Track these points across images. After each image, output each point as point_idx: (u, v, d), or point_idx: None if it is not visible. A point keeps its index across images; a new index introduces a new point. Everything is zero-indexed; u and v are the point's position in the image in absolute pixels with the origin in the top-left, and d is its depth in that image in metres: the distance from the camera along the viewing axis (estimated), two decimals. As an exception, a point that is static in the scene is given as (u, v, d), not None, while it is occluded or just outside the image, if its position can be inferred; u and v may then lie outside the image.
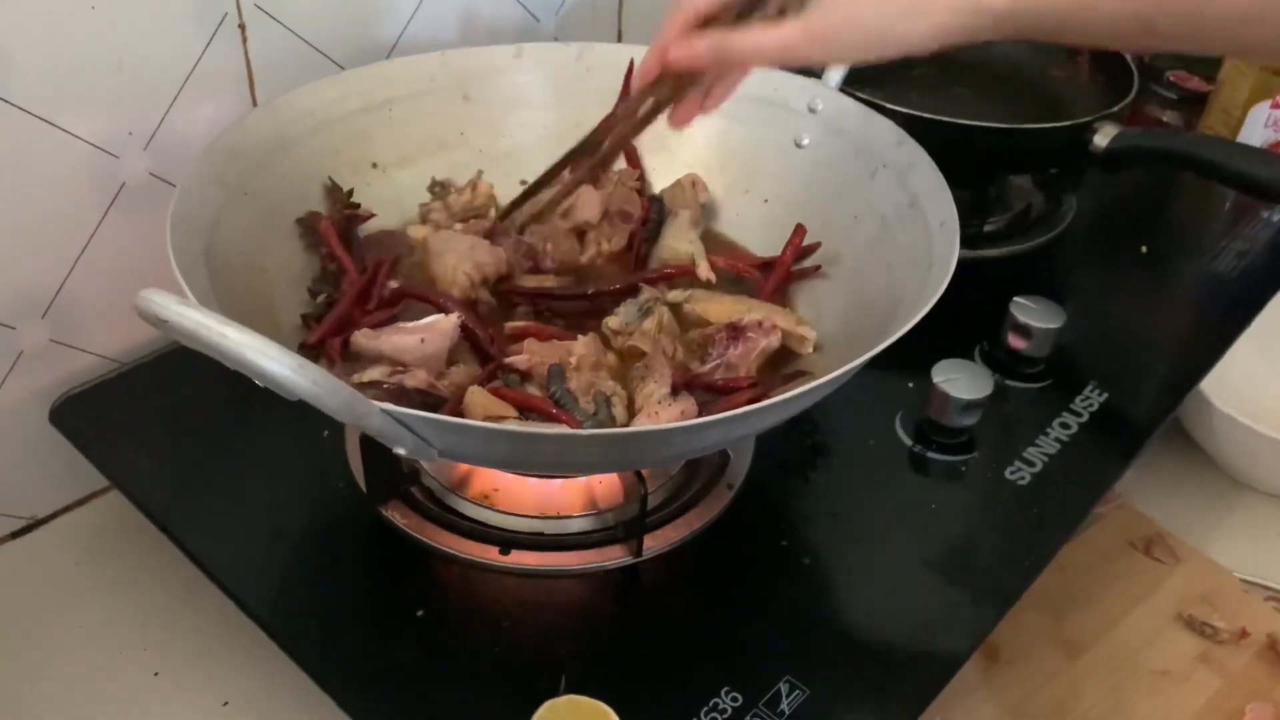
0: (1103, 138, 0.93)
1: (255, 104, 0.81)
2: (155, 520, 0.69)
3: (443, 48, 0.83)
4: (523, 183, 0.81)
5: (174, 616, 0.72)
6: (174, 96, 0.76)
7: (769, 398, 0.53)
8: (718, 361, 0.66)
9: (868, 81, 0.86)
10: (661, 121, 0.85)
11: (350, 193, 0.77)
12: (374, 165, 0.80)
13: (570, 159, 0.74)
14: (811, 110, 0.81)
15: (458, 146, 0.83)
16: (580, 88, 0.85)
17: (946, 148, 0.73)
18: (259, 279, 0.68)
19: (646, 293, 0.70)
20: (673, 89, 0.65)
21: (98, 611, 0.73)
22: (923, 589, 0.68)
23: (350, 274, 0.70)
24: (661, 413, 0.60)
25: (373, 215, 0.78)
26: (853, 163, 0.77)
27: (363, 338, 0.65)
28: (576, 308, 0.73)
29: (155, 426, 0.76)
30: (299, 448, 0.74)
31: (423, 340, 0.62)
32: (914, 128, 0.76)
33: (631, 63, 0.84)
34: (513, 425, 0.53)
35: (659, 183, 0.84)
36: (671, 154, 0.84)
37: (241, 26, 0.78)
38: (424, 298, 0.69)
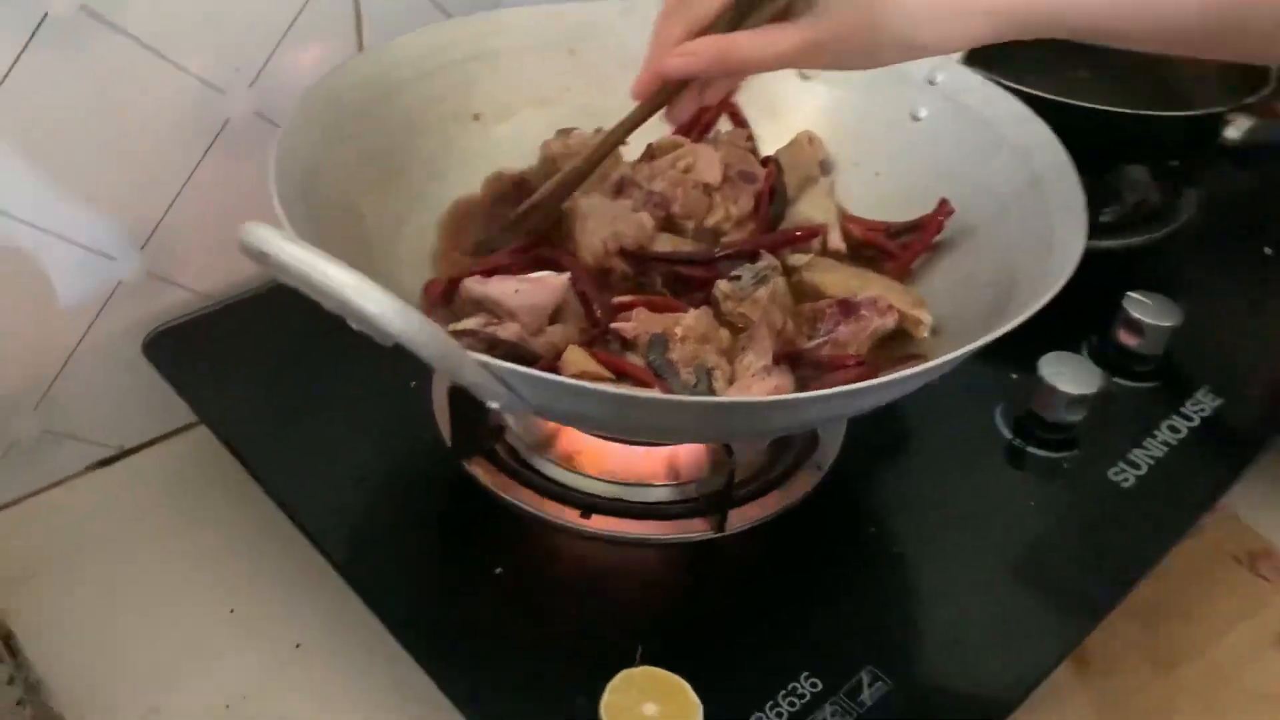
0: (1235, 130, 0.89)
1: (361, 48, 0.80)
2: (239, 458, 0.69)
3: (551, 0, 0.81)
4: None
5: (253, 555, 0.72)
6: (281, 36, 0.75)
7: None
8: (825, 338, 0.64)
9: (974, 58, 0.82)
10: (768, 85, 0.83)
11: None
12: (475, 117, 0.78)
13: (575, 177, 0.70)
14: (931, 82, 0.77)
15: (560, 102, 0.81)
16: (689, 48, 0.82)
17: (1065, 132, 0.69)
18: (356, 224, 0.68)
19: (765, 259, 0.67)
20: (670, 93, 0.61)
21: (178, 545, 0.73)
22: (1014, 589, 0.66)
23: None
24: (754, 385, 0.58)
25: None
26: (971, 139, 0.74)
27: (472, 282, 0.64)
28: (706, 275, 0.69)
29: (245, 365, 0.77)
30: (386, 397, 0.74)
31: (516, 290, 0.61)
32: (1033, 109, 0.72)
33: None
34: (605, 385, 0.51)
35: (765, 150, 0.82)
36: (780, 121, 0.81)
37: (351, -32, 0.77)
38: (551, 262, 0.67)
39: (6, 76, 0.63)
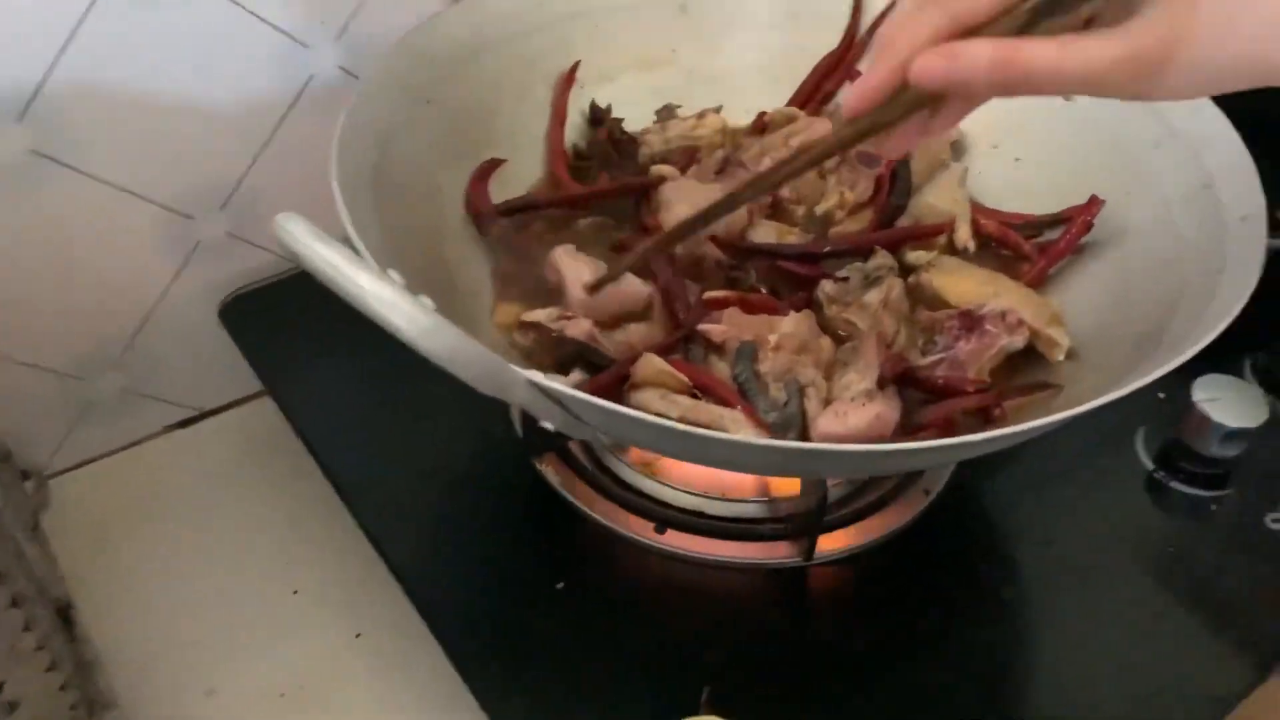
0: None
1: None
2: (301, 435, 0.67)
3: (662, -49, 0.74)
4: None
5: (319, 535, 0.69)
6: (370, -14, 0.71)
7: (996, 417, 0.43)
8: (942, 355, 0.56)
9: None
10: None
11: (609, 110, 0.70)
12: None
13: (740, 199, 0.54)
14: (1087, 56, 0.67)
15: (666, 65, 0.74)
16: (813, 6, 0.75)
17: (1243, 112, 0.59)
18: (432, 198, 0.63)
19: (878, 258, 0.59)
20: (900, 112, 0.45)
21: (248, 517, 0.71)
22: (1150, 646, 0.58)
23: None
24: (851, 414, 0.51)
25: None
26: (1132, 126, 0.64)
27: (562, 251, 0.59)
28: (811, 273, 0.62)
29: (318, 338, 0.73)
30: (460, 384, 0.69)
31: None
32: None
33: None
34: (667, 421, 0.45)
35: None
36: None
37: (450, -86, 0.72)
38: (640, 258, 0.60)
39: (79, 27, 0.61)
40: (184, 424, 0.79)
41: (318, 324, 0.74)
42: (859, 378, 0.52)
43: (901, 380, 0.55)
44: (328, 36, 0.71)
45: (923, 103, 0.45)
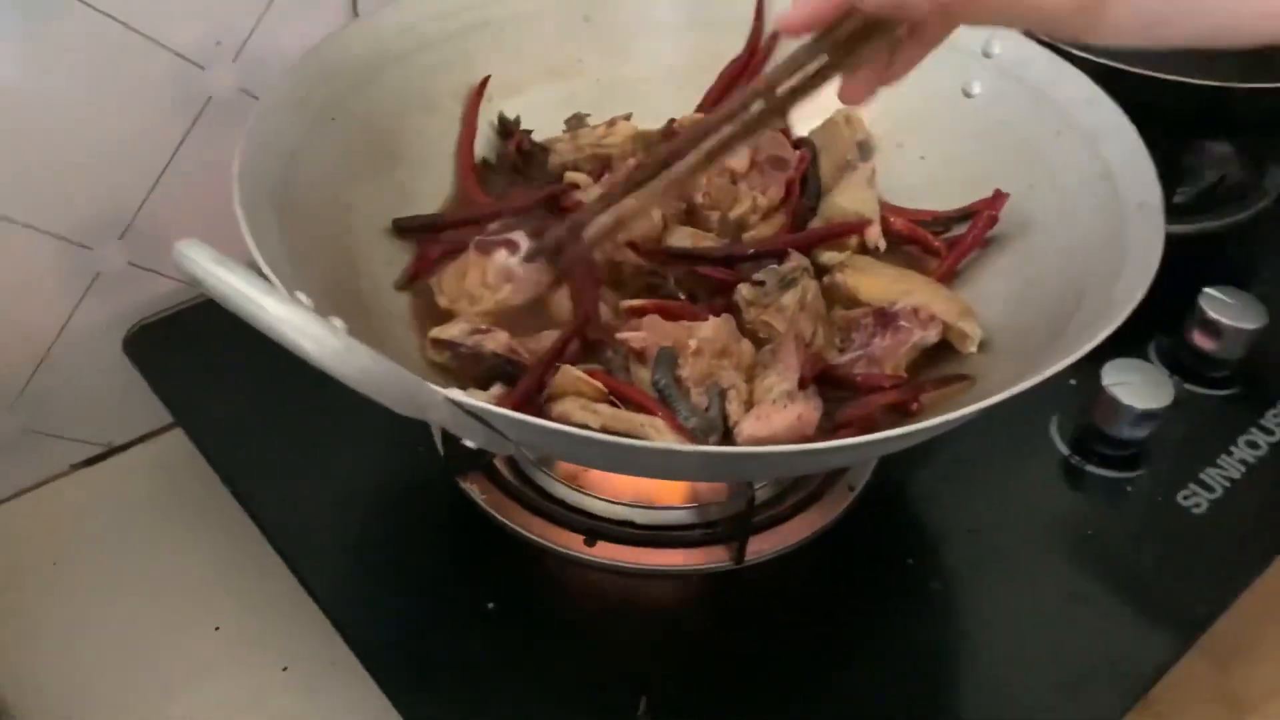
0: (1333, 103, 0.78)
1: (357, 16, 0.74)
2: (216, 468, 0.65)
3: (565, -41, 0.74)
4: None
5: (242, 569, 0.67)
6: (267, 4, 0.69)
7: (914, 410, 0.44)
8: (859, 353, 0.56)
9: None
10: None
11: (518, 121, 0.70)
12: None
13: (672, 154, 0.55)
14: (986, 54, 0.69)
15: (573, 75, 0.74)
16: (718, 13, 0.75)
17: (1137, 104, 0.62)
18: (341, 215, 0.62)
19: (793, 260, 0.59)
20: (842, 51, 0.46)
21: (163, 554, 0.69)
22: (1072, 629, 0.59)
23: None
24: (774, 416, 0.51)
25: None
26: (1032, 120, 0.66)
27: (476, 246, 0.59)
28: (726, 278, 0.62)
29: (228, 366, 0.71)
30: (378, 408, 0.67)
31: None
32: (1103, 80, 0.64)
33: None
34: (589, 432, 0.44)
35: (799, 129, 0.74)
36: (815, 98, 0.73)
37: (345, -72, 0.71)
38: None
39: (-43, 55, 0.58)
40: (91, 461, 0.76)
41: (227, 352, 0.72)
42: (779, 379, 0.52)
43: (821, 379, 0.55)
44: (224, 57, 0.69)
45: (862, 39, 0.44)
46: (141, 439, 0.77)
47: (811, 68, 0.48)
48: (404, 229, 0.65)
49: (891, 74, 0.48)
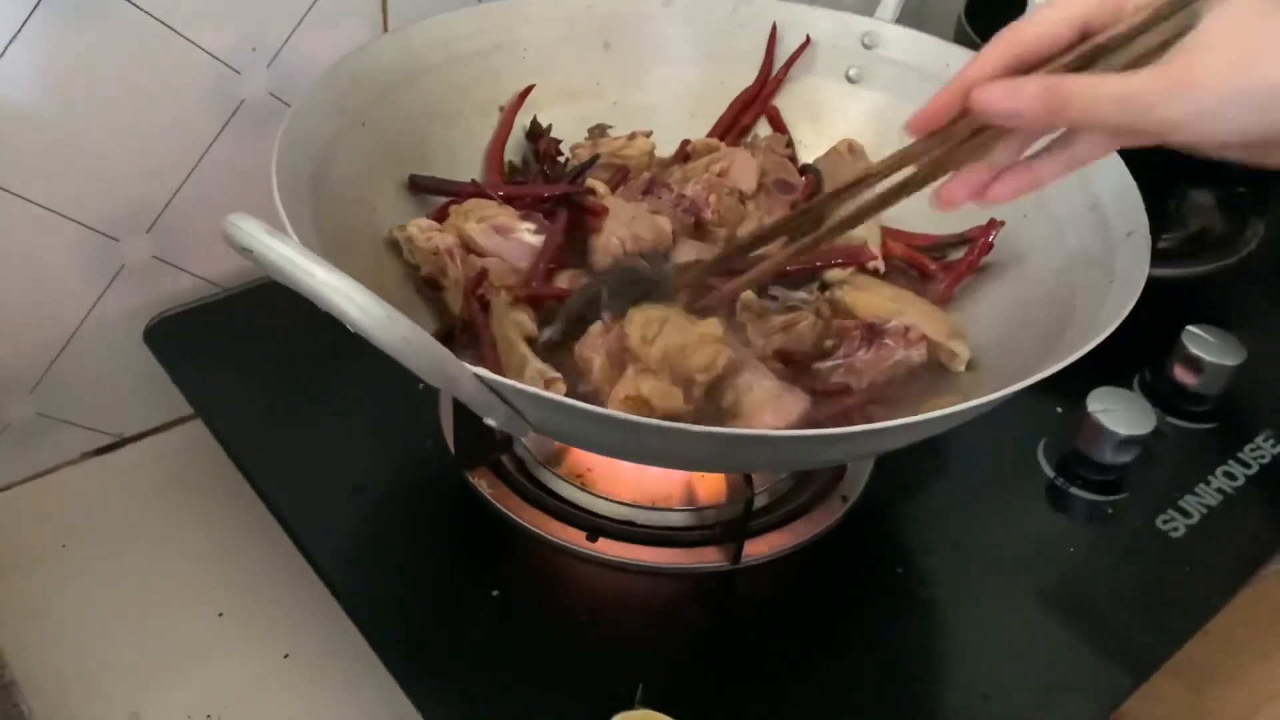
0: (1311, 156, 0.82)
1: (386, 30, 0.77)
2: (233, 456, 0.66)
3: (587, -11, 0.77)
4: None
5: (247, 557, 0.69)
6: (303, 14, 0.72)
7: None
8: (839, 362, 0.59)
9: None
10: (809, 87, 0.77)
11: (549, 128, 0.74)
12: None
13: (779, 231, 0.60)
14: (985, 92, 0.72)
15: (591, 97, 0.77)
16: (729, 45, 0.78)
17: (1122, 152, 0.64)
18: (366, 216, 0.64)
19: (807, 296, 0.62)
20: (953, 150, 0.49)
21: (171, 540, 0.71)
22: (1052, 643, 0.61)
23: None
24: (788, 399, 0.53)
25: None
26: (1027, 155, 0.69)
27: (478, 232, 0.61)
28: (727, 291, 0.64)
29: (247, 358, 0.73)
30: (391, 399, 0.70)
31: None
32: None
33: (774, 27, 0.77)
34: (608, 410, 0.47)
35: (805, 157, 0.77)
36: (821, 126, 0.77)
37: (380, -53, 0.74)
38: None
39: (9, 45, 0.61)
40: (105, 450, 0.77)
41: (246, 345, 0.75)
42: (757, 376, 0.55)
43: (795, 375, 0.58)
44: (259, 63, 0.72)
45: (972, 143, 0.48)
46: (151, 431, 0.79)
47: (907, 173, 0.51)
48: (419, 186, 0.68)
49: (1038, 175, 0.50)
